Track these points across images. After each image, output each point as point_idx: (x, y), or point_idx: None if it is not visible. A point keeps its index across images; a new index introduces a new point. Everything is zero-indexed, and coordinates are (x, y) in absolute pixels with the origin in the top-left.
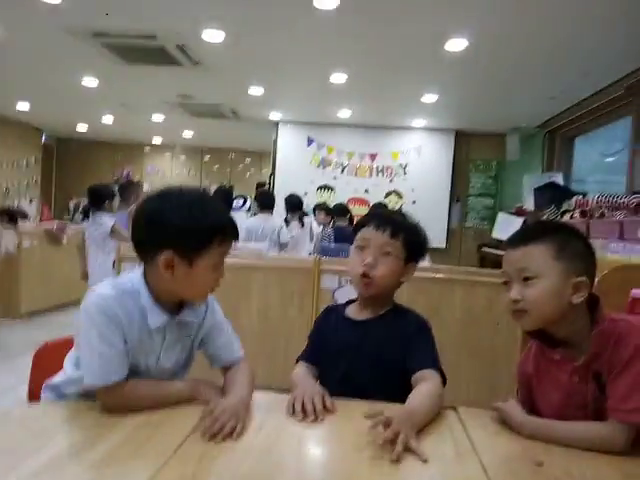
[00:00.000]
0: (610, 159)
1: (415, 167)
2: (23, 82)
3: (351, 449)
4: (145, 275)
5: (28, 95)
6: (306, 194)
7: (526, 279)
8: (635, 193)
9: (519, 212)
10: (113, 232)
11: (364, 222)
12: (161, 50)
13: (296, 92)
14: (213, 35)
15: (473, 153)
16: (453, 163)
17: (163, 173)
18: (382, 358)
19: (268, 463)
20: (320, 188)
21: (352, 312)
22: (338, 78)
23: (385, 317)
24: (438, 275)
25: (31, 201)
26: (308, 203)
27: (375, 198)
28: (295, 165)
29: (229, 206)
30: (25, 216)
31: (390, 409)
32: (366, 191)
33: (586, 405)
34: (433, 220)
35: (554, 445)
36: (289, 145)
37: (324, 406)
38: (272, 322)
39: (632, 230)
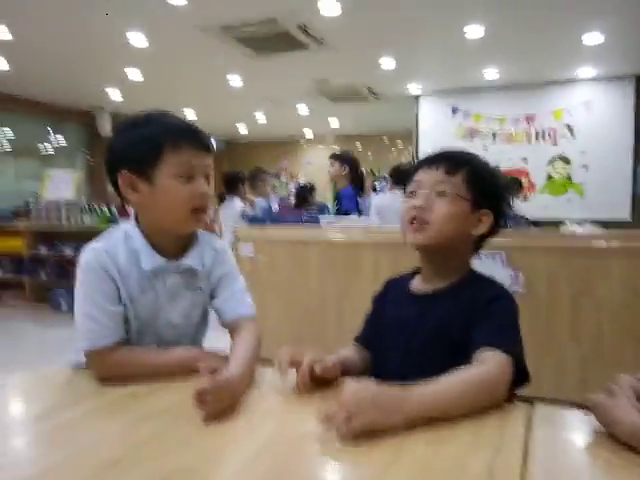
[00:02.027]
0: None
1: (585, 126)
2: (180, 89)
3: (322, 446)
4: (137, 218)
5: (191, 102)
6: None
7: None
8: None
9: None
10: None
11: (417, 165)
12: (285, 34)
13: (431, 56)
14: (329, 7)
15: None
16: (636, 116)
17: (319, 165)
18: (447, 337)
19: (208, 458)
20: None
21: (416, 284)
22: (474, 32)
23: (454, 288)
24: (587, 244)
25: None
26: None
27: (536, 166)
28: (439, 139)
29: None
30: None
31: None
32: (524, 159)
33: None
34: (612, 187)
35: None
36: (431, 118)
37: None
38: None
39: None
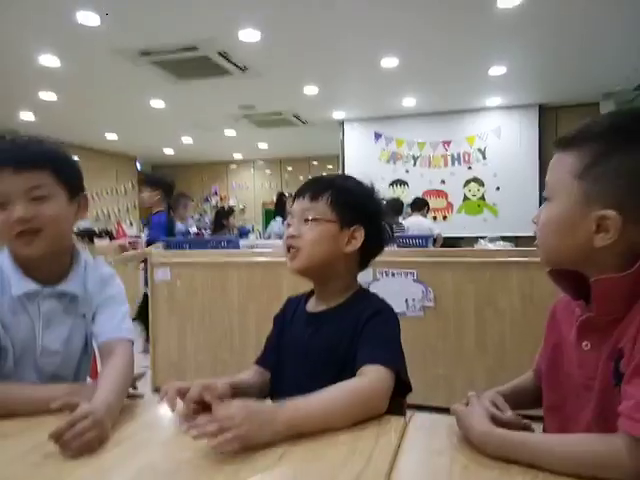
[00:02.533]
0: None
1: (495, 150)
2: (101, 113)
3: (195, 472)
4: None
5: (113, 125)
6: (378, 192)
7: (546, 199)
8: None
9: None
10: None
11: (293, 197)
12: (206, 60)
13: (351, 84)
14: (249, 35)
15: (562, 128)
16: (540, 141)
17: (247, 188)
18: (335, 356)
19: None
20: (392, 184)
21: (311, 304)
22: (389, 62)
23: (340, 307)
24: (489, 259)
25: (131, 224)
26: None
27: (453, 188)
28: (364, 163)
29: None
30: (104, 235)
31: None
32: (442, 182)
33: (592, 389)
34: (521, 206)
35: (534, 470)
36: (356, 143)
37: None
38: None
39: None
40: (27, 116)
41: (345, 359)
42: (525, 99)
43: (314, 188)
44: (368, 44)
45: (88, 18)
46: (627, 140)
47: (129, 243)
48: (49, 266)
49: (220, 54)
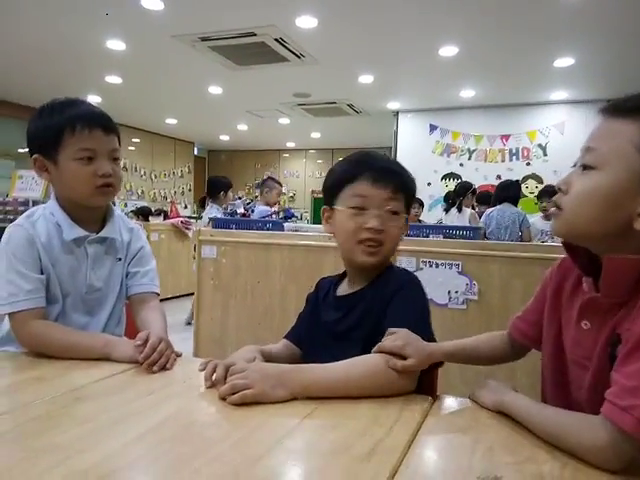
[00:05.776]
0: None
1: (557, 147)
2: (161, 97)
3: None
4: (56, 197)
5: (173, 110)
6: (429, 184)
7: (585, 167)
8: None
9: None
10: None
11: (353, 175)
12: (263, 46)
13: (408, 74)
14: (306, 22)
15: None
16: None
17: (298, 176)
18: (361, 335)
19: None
20: (445, 177)
21: (343, 287)
22: (448, 51)
23: (369, 287)
24: (538, 254)
25: (186, 206)
26: (432, 194)
27: None
28: (417, 155)
29: None
30: (159, 214)
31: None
32: (498, 177)
33: (587, 369)
34: None
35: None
36: (410, 135)
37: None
38: None
39: None
40: (94, 99)
41: (372, 336)
42: (593, 94)
43: (396, 179)
44: (427, 31)
45: (152, 3)
46: None
47: (181, 222)
48: (93, 216)
49: (277, 40)
